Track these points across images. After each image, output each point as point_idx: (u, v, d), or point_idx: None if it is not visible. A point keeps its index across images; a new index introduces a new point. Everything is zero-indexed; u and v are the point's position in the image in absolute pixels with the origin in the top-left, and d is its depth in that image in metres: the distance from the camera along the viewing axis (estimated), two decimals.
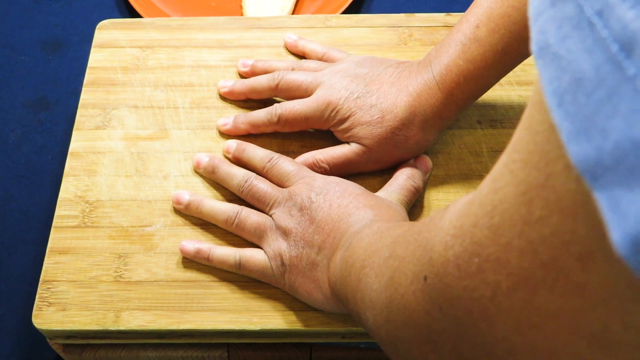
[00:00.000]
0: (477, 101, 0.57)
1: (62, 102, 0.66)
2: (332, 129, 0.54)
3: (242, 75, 0.59)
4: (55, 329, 0.48)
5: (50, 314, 0.48)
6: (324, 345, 0.50)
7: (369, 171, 0.54)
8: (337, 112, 0.52)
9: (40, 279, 0.49)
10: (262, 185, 0.50)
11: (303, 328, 0.47)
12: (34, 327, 0.48)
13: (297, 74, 0.55)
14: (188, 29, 0.62)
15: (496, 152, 0.55)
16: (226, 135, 0.56)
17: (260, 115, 0.55)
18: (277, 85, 0.55)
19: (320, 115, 0.53)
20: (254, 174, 0.51)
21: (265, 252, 0.48)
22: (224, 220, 0.50)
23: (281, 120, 0.54)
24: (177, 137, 0.56)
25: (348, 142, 0.53)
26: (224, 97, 0.58)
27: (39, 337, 0.51)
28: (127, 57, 0.60)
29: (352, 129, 0.52)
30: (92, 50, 0.61)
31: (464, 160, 0.54)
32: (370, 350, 0.50)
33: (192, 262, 0.50)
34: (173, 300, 0.48)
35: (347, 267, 0.41)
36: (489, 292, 0.25)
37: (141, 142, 0.56)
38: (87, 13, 0.70)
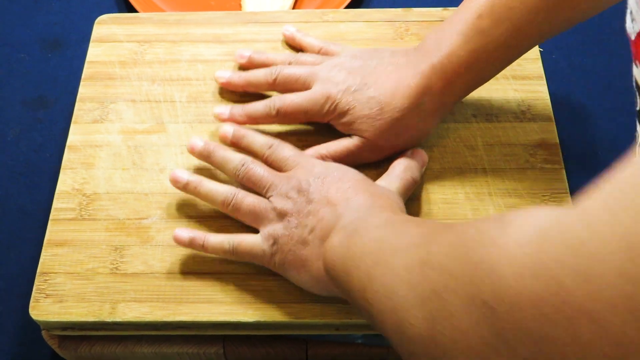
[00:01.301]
0: (472, 95, 0.57)
1: (61, 101, 0.67)
2: (332, 122, 0.54)
3: (240, 67, 0.59)
4: (52, 320, 0.48)
5: (47, 306, 0.48)
6: (319, 342, 0.50)
7: (370, 161, 0.54)
8: (335, 105, 0.52)
9: (38, 271, 0.50)
10: (259, 169, 0.50)
11: (298, 320, 0.48)
12: (31, 324, 0.48)
13: (294, 68, 0.55)
14: (185, 24, 0.62)
15: (491, 145, 0.55)
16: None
17: (259, 107, 0.55)
18: (274, 80, 0.55)
19: (319, 109, 0.53)
20: (250, 158, 0.51)
21: (260, 233, 0.48)
22: (221, 202, 0.50)
23: (280, 113, 0.54)
24: (174, 131, 0.56)
25: (349, 135, 0.53)
26: (221, 90, 0.58)
27: (35, 334, 0.51)
28: (125, 51, 0.61)
29: (353, 122, 0.52)
30: (91, 44, 0.61)
31: (459, 154, 0.55)
32: (366, 347, 0.50)
33: (188, 254, 0.50)
34: (169, 292, 0.49)
35: (353, 256, 0.40)
36: (578, 350, 0.22)
37: (138, 135, 0.56)
38: (87, 12, 0.71)
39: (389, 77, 0.52)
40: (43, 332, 0.51)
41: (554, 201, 0.52)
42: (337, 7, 0.70)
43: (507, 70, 0.58)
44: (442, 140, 0.55)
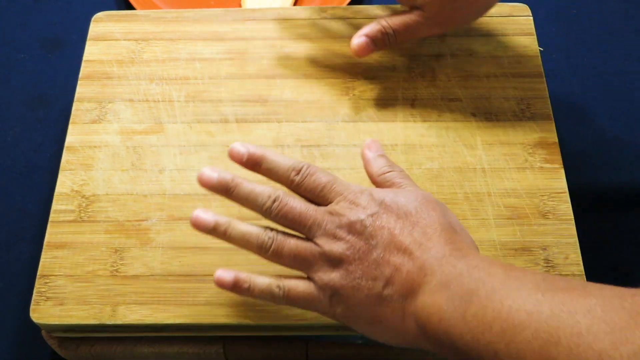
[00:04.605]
0: (472, 93, 0.57)
1: (60, 100, 0.67)
2: None
3: None
4: (52, 323, 0.48)
5: (48, 309, 0.48)
6: (320, 342, 0.51)
7: (430, 35, 0.57)
8: None
9: (38, 274, 0.50)
10: (296, 205, 0.43)
11: (298, 322, 0.48)
12: (30, 323, 0.49)
13: None
14: (183, 21, 0.62)
15: (490, 145, 0.55)
16: (222, 130, 0.56)
17: None
18: None
19: None
20: (282, 191, 0.43)
21: (311, 280, 0.43)
22: (257, 247, 0.43)
23: None
24: (172, 131, 0.56)
25: (411, 10, 0.54)
26: (219, 90, 0.58)
27: (35, 334, 0.52)
28: (123, 50, 0.61)
29: None
30: (88, 43, 0.61)
31: (458, 153, 0.55)
32: (366, 347, 0.50)
33: (188, 256, 0.50)
34: (169, 295, 0.49)
35: (484, 327, 0.36)
36: None
37: (137, 136, 0.56)
38: (87, 11, 0.70)
39: None
40: (43, 332, 0.51)
41: (553, 201, 0.52)
42: (339, 4, 0.70)
43: (507, 68, 0.58)
44: (441, 140, 0.55)
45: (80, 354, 0.51)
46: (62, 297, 0.49)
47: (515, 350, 0.34)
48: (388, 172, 0.46)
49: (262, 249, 0.43)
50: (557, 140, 0.55)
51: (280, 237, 0.43)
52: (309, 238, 0.43)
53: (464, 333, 0.37)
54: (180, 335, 0.50)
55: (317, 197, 0.44)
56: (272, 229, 0.44)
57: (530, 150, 0.54)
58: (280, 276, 0.44)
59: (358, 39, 0.55)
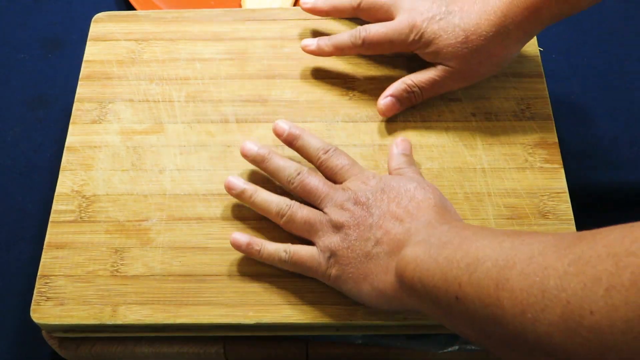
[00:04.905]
0: (472, 93, 0.57)
1: (60, 100, 0.67)
2: (416, 52, 0.55)
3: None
4: (53, 323, 0.48)
5: (48, 309, 0.48)
6: (320, 342, 0.51)
7: (454, 89, 0.56)
8: (421, 35, 0.53)
9: (38, 274, 0.50)
10: (314, 180, 0.49)
11: (298, 321, 0.48)
12: (31, 323, 0.49)
13: None
14: (183, 22, 0.62)
15: (490, 145, 0.55)
16: (222, 130, 0.56)
17: (344, 37, 0.56)
18: (359, 5, 0.57)
19: (404, 38, 0.54)
20: (306, 168, 0.50)
21: (315, 245, 0.48)
22: (275, 213, 0.49)
23: (365, 42, 0.55)
24: (172, 131, 0.56)
25: (434, 64, 0.54)
26: (219, 90, 0.58)
27: (35, 334, 0.52)
28: (123, 50, 0.61)
29: (438, 52, 0.53)
30: (88, 43, 0.61)
31: (458, 153, 0.55)
32: (366, 347, 0.50)
33: (188, 256, 0.50)
34: (169, 295, 0.49)
35: (452, 267, 0.39)
36: None
37: (137, 136, 0.56)
38: (87, 11, 0.70)
39: (473, 5, 0.52)
40: (43, 332, 0.51)
41: (553, 201, 0.52)
42: None
43: (507, 68, 0.58)
44: (441, 140, 0.55)
45: (80, 354, 0.51)
46: (62, 297, 0.49)
47: (477, 279, 0.37)
48: (403, 168, 0.51)
49: (278, 215, 0.49)
50: (557, 140, 0.55)
51: (296, 205, 0.49)
52: (320, 209, 0.48)
53: (435, 274, 0.40)
54: (180, 335, 0.50)
55: (335, 175, 0.50)
56: (290, 200, 0.49)
57: (530, 150, 0.54)
58: (287, 243, 0.49)
59: (384, 100, 0.56)
